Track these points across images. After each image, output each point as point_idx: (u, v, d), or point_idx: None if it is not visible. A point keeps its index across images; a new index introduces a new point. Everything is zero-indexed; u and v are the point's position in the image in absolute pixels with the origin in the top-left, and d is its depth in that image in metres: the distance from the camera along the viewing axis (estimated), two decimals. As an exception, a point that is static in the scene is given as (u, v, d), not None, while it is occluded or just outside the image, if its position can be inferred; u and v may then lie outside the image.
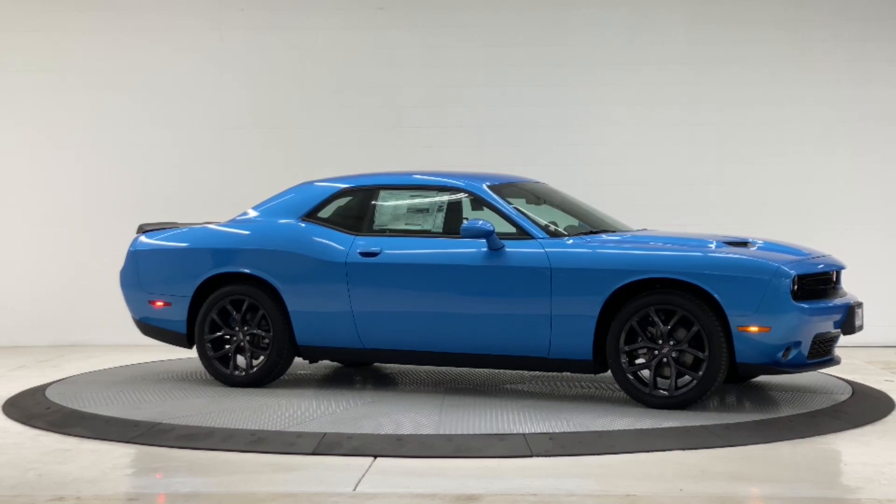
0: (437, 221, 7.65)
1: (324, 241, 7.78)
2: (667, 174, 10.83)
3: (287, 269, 7.81)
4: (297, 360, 8.30)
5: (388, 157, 10.66)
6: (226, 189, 10.90)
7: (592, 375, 8.02)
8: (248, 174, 10.96)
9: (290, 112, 11.06)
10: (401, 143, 10.92)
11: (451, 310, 7.38)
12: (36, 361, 9.89)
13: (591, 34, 10.91)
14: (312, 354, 7.98)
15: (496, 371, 8.44)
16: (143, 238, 8.40)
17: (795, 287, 6.79)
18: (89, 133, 11.11)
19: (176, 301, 8.15)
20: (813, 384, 7.93)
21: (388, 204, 7.86)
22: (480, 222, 7.20)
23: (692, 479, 5.53)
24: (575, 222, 7.88)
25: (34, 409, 7.38)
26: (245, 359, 8.03)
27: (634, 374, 6.99)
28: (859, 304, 7.29)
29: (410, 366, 8.80)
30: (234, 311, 8.00)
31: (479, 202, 7.63)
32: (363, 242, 7.67)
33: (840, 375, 8.40)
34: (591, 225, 7.88)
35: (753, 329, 6.71)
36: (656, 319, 6.88)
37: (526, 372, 8.17)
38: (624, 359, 6.99)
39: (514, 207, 7.51)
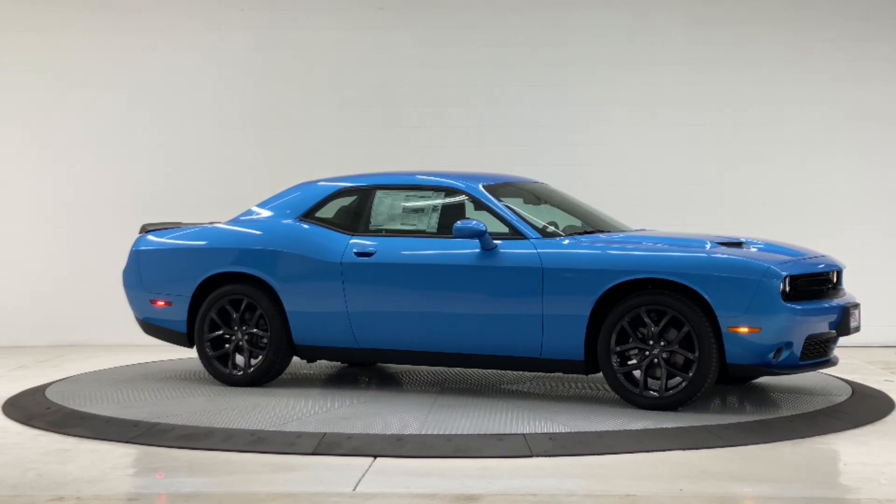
0: (431, 221, 7.66)
1: (320, 240, 7.79)
2: (667, 174, 10.83)
3: (284, 268, 7.83)
4: (300, 360, 8.32)
5: (388, 157, 10.66)
6: (226, 189, 10.89)
7: (592, 376, 8.01)
8: (248, 174, 10.97)
9: (290, 112, 11.06)
10: (401, 143, 10.92)
11: (445, 310, 7.39)
12: (36, 361, 9.89)
13: (591, 34, 10.92)
14: (309, 354, 7.99)
15: (496, 371, 8.44)
16: (144, 238, 8.45)
17: (787, 288, 6.76)
18: (89, 133, 11.11)
19: (176, 301, 8.18)
20: (813, 384, 7.92)
21: (383, 204, 7.86)
22: (474, 222, 7.20)
23: (692, 479, 5.53)
24: (574, 222, 7.88)
25: (34, 409, 7.38)
26: (243, 358, 8.05)
27: (625, 374, 6.97)
28: (856, 306, 7.24)
29: (412, 366, 8.80)
30: (233, 311, 8.02)
31: (473, 202, 7.63)
32: (359, 242, 7.69)
33: (840, 375, 8.40)
34: (590, 225, 7.88)
35: (743, 330, 6.68)
36: (647, 320, 6.86)
37: (526, 372, 8.16)
38: (615, 359, 6.97)
39: (508, 207, 7.50)
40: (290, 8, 11.07)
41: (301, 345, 7.89)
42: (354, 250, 7.65)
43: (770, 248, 7.27)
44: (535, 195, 8.13)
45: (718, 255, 6.85)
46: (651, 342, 6.88)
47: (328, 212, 8.02)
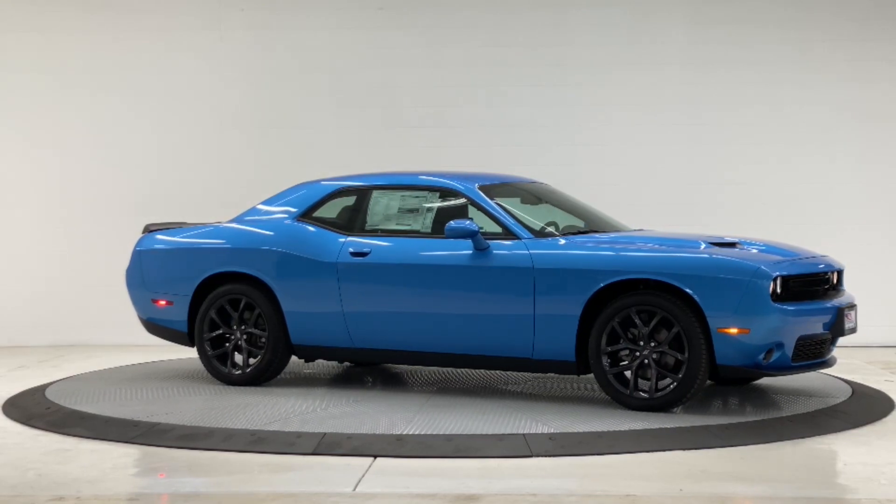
0: (426, 221, 7.67)
1: (317, 240, 7.82)
2: (667, 174, 10.83)
3: (282, 268, 7.85)
4: (301, 362, 8.35)
5: (388, 157, 10.66)
6: (226, 189, 10.89)
7: (592, 376, 8.01)
8: (248, 174, 10.97)
9: (290, 112, 11.06)
10: (401, 143, 10.92)
11: (438, 310, 7.39)
12: (36, 361, 9.89)
13: (591, 34, 10.92)
14: (307, 354, 8.01)
15: (496, 371, 8.44)
16: (147, 238, 8.51)
17: (778, 288, 6.71)
18: (88, 133, 11.11)
19: (177, 300, 8.22)
20: (813, 385, 7.92)
21: (380, 204, 7.87)
22: (466, 222, 7.20)
23: (692, 479, 5.53)
24: (573, 222, 7.88)
25: (34, 409, 7.38)
26: (243, 357, 8.07)
27: (616, 375, 6.94)
28: (852, 307, 7.19)
29: (412, 366, 8.79)
30: (232, 311, 8.05)
31: (467, 202, 7.62)
32: (354, 242, 7.70)
33: (839, 375, 8.40)
34: (590, 224, 7.88)
35: (733, 330, 6.64)
36: (637, 320, 6.84)
37: (525, 373, 8.15)
38: (605, 360, 6.94)
39: (502, 208, 7.49)
40: (290, 8, 11.08)
41: (298, 344, 7.91)
42: (350, 250, 7.66)
43: (768, 248, 7.21)
44: (534, 195, 8.13)
45: (707, 256, 6.81)
46: (641, 343, 6.86)
47: (329, 211, 8.04)
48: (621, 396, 6.93)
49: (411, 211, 7.75)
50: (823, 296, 7.11)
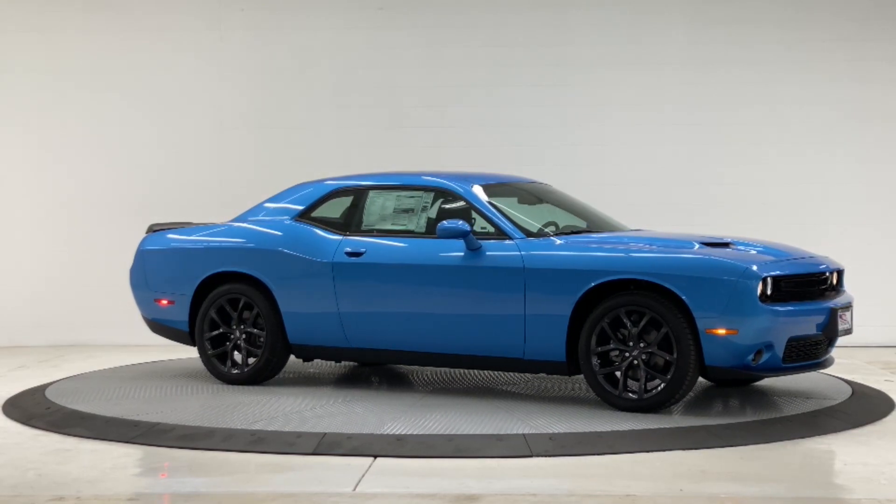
0: (421, 221, 7.67)
1: (313, 241, 7.84)
2: (667, 174, 10.83)
3: (279, 268, 7.88)
4: (305, 362, 8.36)
5: (388, 157, 10.66)
6: (226, 189, 10.90)
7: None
8: (248, 174, 10.97)
9: (290, 112, 11.06)
10: (401, 143, 10.92)
11: (431, 310, 7.40)
12: (36, 361, 9.89)
13: (591, 34, 10.91)
14: (304, 353, 8.03)
15: (496, 372, 8.44)
16: (150, 238, 8.57)
17: (768, 289, 6.66)
18: (88, 133, 11.11)
19: (179, 300, 8.26)
20: (813, 385, 7.92)
21: (375, 204, 7.88)
22: (459, 223, 7.20)
23: (692, 479, 5.53)
24: (572, 222, 7.88)
25: (34, 409, 7.38)
26: (241, 357, 8.10)
27: (606, 376, 6.91)
28: (846, 308, 7.12)
29: (419, 366, 8.79)
30: (232, 310, 8.07)
31: (460, 202, 7.61)
32: (350, 242, 7.72)
33: (839, 375, 8.40)
34: (590, 225, 7.88)
35: (721, 331, 6.60)
36: (626, 321, 6.82)
37: (525, 373, 8.16)
38: (595, 360, 6.93)
39: (496, 208, 7.48)
40: (290, 8, 11.08)
41: (296, 344, 7.93)
42: (345, 250, 7.67)
43: (763, 249, 7.14)
44: (533, 195, 8.12)
45: (696, 256, 6.77)
46: (631, 343, 6.83)
47: (329, 211, 8.05)
48: (610, 397, 6.91)
49: (406, 211, 7.75)
50: (818, 296, 7.05)
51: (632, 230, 8.02)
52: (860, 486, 5.43)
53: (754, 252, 7.04)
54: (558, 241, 7.22)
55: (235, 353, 8.17)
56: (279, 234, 7.99)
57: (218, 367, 8.14)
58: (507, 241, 7.25)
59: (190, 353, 9.41)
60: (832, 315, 6.95)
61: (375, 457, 5.99)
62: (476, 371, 8.57)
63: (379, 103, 11.01)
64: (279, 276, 7.88)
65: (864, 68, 10.77)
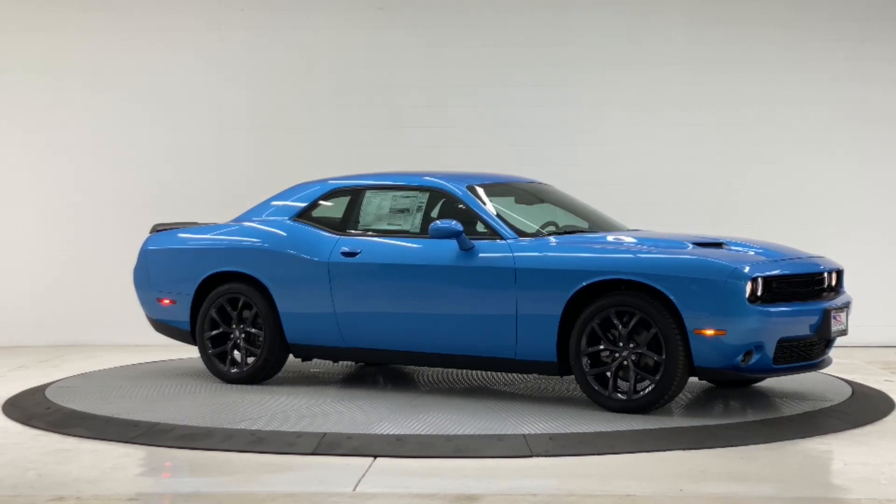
0: (415, 221, 7.67)
1: (310, 240, 7.86)
2: (667, 174, 10.83)
3: (277, 268, 7.91)
4: (309, 361, 8.37)
5: (388, 157, 10.66)
6: (225, 189, 10.90)
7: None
8: (248, 174, 10.97)
9: (290, 112, 11.06)
10: (401, 143, 10.92)
11: (424, 310, 7.40)
12: (36, 361, 9.89)
13: (591, 34, 10.91)
14: (302, 353, 8.05)
15: (490, 372, 8.44)
16: (153, 238, 8.61)
17: (758, 289, 6.61)
18: (88, 133, 11.11)
19: (180, 299, 8.30)
20: (813, 385, 7.92)
21: (371, 204, 7.88)
22: (452, 223, 7.19)
23: (692, 479, 5.53)
24: (572, 222, 7.87)
25: (34, 409, 7.38)
26: (240, 356, 8.13)
27: (597, 376, 6.89)
28: (841, 308, 7.05)
29: (421, 367, 8.79)
30: (231, 310, 8.09)
31: (454, 202, 7.60)
32: (346, 242, 7.73)
33: (840, 375, 8.40)
34: (590, 225, 7.87)
35: (709, 332, 6.55)
36: (615, 321, 6.80)
37: (526, 374, 8.16)
38: (585, 361, 6.90)
39: (488, 207, 7.48)
40: (290, 8, 11.08)
41: (294, 343, 7.95)
42: (341, 250, 7.68)
43: (759, 249, 7.10)
44: (532, 195, 8.12)
45: (684, 256, 6.74)
46: (621, 344, 6.81)
47: (329, 211, 8.06)
48: (599, 397, 6.89)
49: (402, 211, 7.75)
50: (813, 297, 7.00)
51: (629, 230, 8.01)
52: (860, 486, 5.43)
53: (747, 252, 7.01)
54: (553, 242, 7.20)
55: (235, 352, 8.19)
56: (277, 233, 8.00)
57: (218, 366, 8.17)
58: (499, 241, 7.25)
59: (190, 353, 9.41)
60: (825, 316, 6.89)
61: (375, 457, 5.99)
62: (476, 371, 8.57)
63: (379, 103, 11.01)
64: (277, 275, 7.90)
65: (864, 68, 10.76)
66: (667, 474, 5.61)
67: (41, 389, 8.03)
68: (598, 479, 5.55)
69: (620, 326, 6.78)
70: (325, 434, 6.35)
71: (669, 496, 5.22)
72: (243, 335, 8.08)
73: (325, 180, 8.31)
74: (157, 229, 8.69)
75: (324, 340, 7.83)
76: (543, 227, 7.62)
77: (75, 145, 11.10)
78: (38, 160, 11.12)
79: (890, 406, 7.37)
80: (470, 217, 7.47)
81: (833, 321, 6.96)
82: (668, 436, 6.29)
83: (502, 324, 7.13)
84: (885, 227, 10.76)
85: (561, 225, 7.75)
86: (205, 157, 11.07)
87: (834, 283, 7.29)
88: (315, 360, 8.71)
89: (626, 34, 10.91)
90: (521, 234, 7.31)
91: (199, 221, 9.01)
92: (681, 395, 7.49)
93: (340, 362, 8.92)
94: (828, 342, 7.09)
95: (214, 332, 8.17)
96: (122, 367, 9.22)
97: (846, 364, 9.11)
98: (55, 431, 6.76)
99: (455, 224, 7.18)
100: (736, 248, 7.08)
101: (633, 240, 7.20)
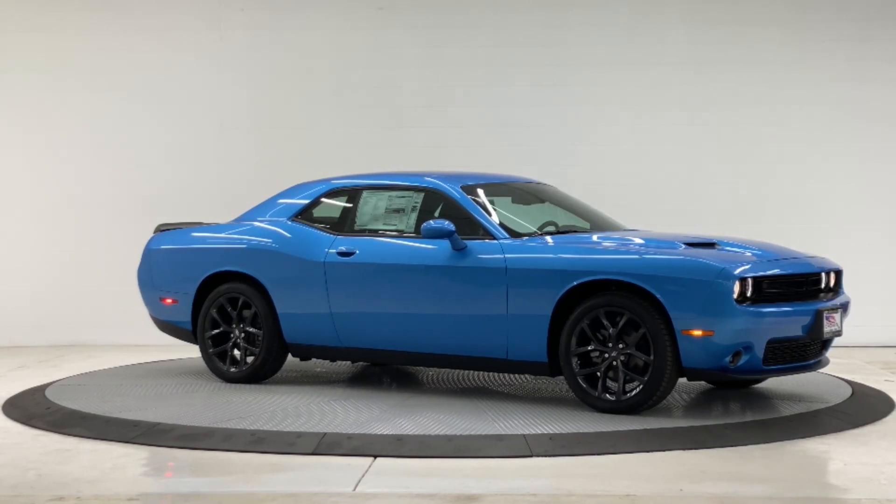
0: (410, 222, 7.67)
1: (308, 240, 7.87)
2: (667, 174, 10.83)
3: (275, 268, 7.93)
4: (313, 360, 8.37)
5: (389, 157, 10.67)
6: (225, 189, 10.90)
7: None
8: (249, 174, 10.97)
9: (290, 112, 11.06)
10: (401, 143, 10.93)
11: (418, 310, 7.40)
12: (36, 361, 9.89)
13: (591, 34, 10.92)
14: (300, 352, 8.06)
15: (483, 372, 8.44)
16: (156, 237, 8.65)
17: (747, 290, 6.57)
18: (88, 133, 11.11)
19: (182, 299, 8.34)
20: (812, 385, 7.92)
21: (368, 204, 7.89)
22: (445, 223, 7.19)
23: (692, 479, 5.53)
24: (572, 222, 7.86)
25: (34, 409, 7.38)
26: (240, 355, 8.16)
27: (586, 377, 6.87)
28: (835, 309, 6.99)
29: (424, 367, 8.80)
30: (231, 309, 8.12)
31: (449, 202, 7.59)
32: (343, 242, 7.74)
33: (839, 375, 8.40)
34: (592, 225, 7.87)
35: (697, 332, 6.51)
36: (605, 322, 6.78)
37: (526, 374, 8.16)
38: (574, 361, 6.88)
39: (483, 208, 7.47)
40: (290, 8, 11.08)
41: (292, 343, 7.96)
42: (337, 250, 7.69)
43: (753, 250, 7.06)
44: (529, 195, 8.11)
45: (672, 256, 6.71)
46: (610, 344, 6.80)
47: (329, 211, 8.08)
48: (588, 398, 6.88)
49: (397, 211, 7.76)
50: (807, 297, 6.95)
51: (628, 230, 8.01)
52: (860, 486, 5.43)
53: (741, 253, 6.97)
54: (550, 242, 7.19)
55: (235, 351, 8.21)
56: (276, 233, 8.03)
57: (218, 365, 8.21)
58: (491, 242, 7.24)
59: (189, 353, 9.42)
60: (818, 317, 6.83)
61: (375, 457, 5.99)
62: (476, 371, 8.56)
63: (379, 103, 11.01)
64: (275, 275, 7.92)
65: (864, 68, 10.77)
66: (667, 474, 5.61)
67: (41, 389, 8.03)
68: (598, 479, 5.55)
69: (610, 327, 6.77)
70: (325, 434, 6.35)
71: (669, 496, 5.22)
72: (243, 335, 8.11)
73: (327, 180, 8.32)
74: (161, 229, 8.71)
75: (320, 340, 7.84)
76: (542, 227, 7.62)
77: (75, 145, 11.11)
78: (38, 160, 11.12)
79: (890, 406, 7.37)
80: (464, 217, 7.46)
81: (826, 322, 6.89)
82: (668, 436, 6.30)
83: (494, 324, 7.13)
84: (885, 227, 10.76)
85: (561, 225, 7.74)
86: (205, 157, 11.08)
87: (832, 283, 7.25)
88: (315, 362, 8.72)
89: (625, 34, 10.91)
90: (514, 234, 7.30)
91: (203, 221, 9.03)
92: (680, 395, 7.49)
93: (332, 361, 8.92)
94: (823, 343, 7.05)
95: (215, 332, 8.20)
96: (122, 367, 9.22)
97: (846, 364, 9.11)
98: (55, 431, 6.76)
99: (447, 224, 7.18)
100: (730, 249, 7.04)
101: (626, 240, 7.19)
